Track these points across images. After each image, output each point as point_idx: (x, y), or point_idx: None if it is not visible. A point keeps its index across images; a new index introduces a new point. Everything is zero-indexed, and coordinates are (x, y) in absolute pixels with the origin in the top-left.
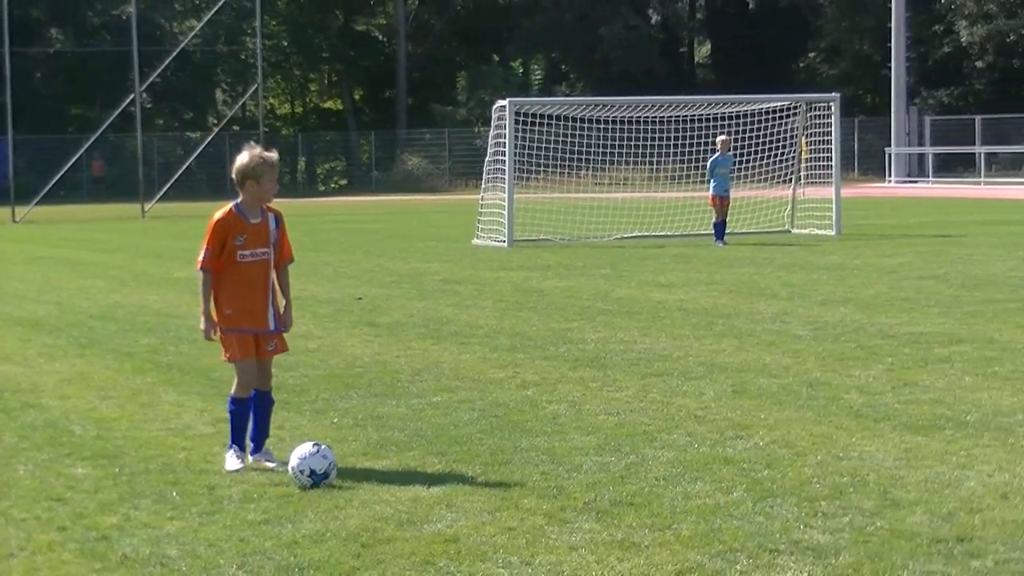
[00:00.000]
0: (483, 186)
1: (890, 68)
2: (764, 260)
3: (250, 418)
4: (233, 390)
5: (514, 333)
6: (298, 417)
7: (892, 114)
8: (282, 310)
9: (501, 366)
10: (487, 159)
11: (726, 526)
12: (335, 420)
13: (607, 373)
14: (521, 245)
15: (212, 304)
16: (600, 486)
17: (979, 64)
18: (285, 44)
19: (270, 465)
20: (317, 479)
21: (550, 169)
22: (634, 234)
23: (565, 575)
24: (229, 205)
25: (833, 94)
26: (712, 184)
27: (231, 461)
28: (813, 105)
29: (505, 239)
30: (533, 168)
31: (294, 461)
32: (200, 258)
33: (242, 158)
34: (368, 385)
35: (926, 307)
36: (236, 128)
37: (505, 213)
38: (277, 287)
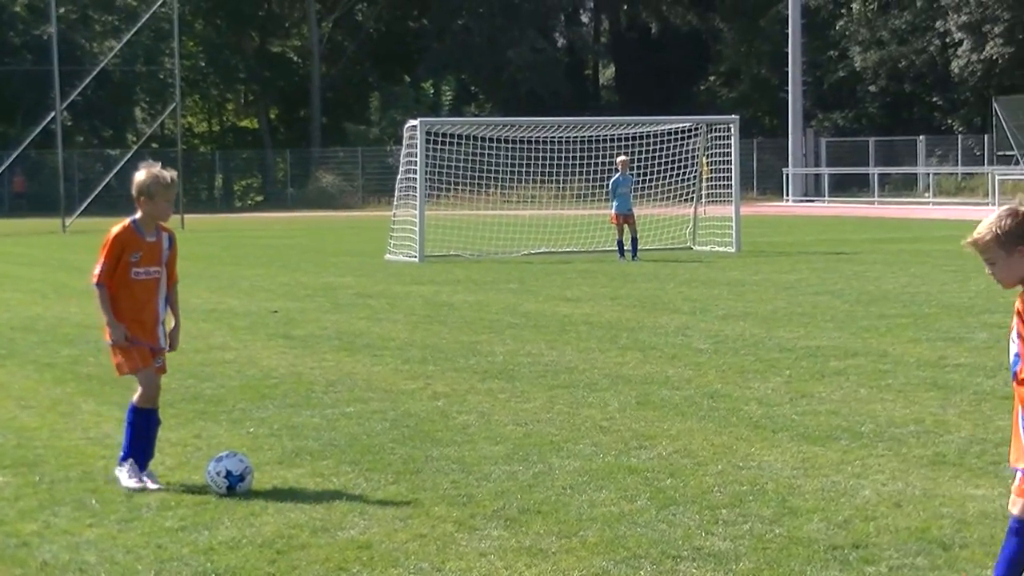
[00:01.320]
0: (395, 203)
1: (787, 91)
2: (667, 275)
3: (153, 427)
4: (136, 400)
5: (425, 346)
6: (215, 427)
7: (789, 136)
8: (170, 329)
9: (413, 377)
10: (399, 177)
11: (630, 533)
12: (251, 430)
13: (515, 385)
14: (432, 260)
15: (111, 314)
16: (508, 494)
17: (872, 88)
18: (203, 64)
19: (153, 487)
20: (233, 481)
21: (460, 187)
22: (541, 250)
23: None
24: (127, 220)
25: (732, 116)
26: (614, 203)
27: (127, 478)
28: (713, 127)
29: (416, 254)
30: (443, 186)
31: (210, 465)
32: (96, 272)
33: (138, 175)
34: (283, 396)
35: (822, 322)
36: (155, 145)
37: (416, 229)
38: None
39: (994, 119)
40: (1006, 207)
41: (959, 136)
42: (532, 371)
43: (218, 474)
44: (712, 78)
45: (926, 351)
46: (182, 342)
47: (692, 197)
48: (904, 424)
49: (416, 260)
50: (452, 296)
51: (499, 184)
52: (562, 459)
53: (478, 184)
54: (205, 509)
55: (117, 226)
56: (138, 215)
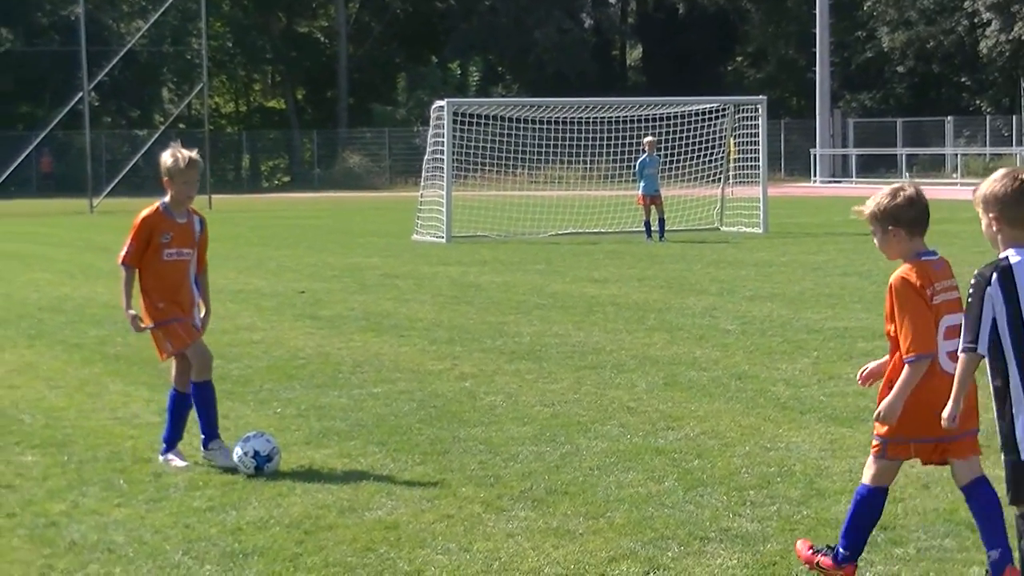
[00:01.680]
0: (422, 184)
1: (814, 72)
2: (694, 257)
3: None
4: (193, 375)
5: (452, 326)
6: (242, 407)
7: (816, 117)
8: (201, 315)
9: (440, 358)
10: (426, 158)
11: (658, 514)
12: (278, 410)
13: (542, 365)
14: (459, 241)
15: (130, 299)
16: (535, 475)
17: (900, 69)
18: (229, 45)
19: (180, 464)
20: (261, 461)
21: (487, 167)
22: (568, 231)
23: (502, 561)
24: (156, 203)
25: (759, 97)
26: (641, 184)
27: (221, 454)
28: (740, 108)
29: (443, 235)
30: (470, 166)
31: (237, 445)
32: (122, 253)
33: (162, 156)
34: (310, 376)
35: (850, 303)
36: (182, 126)
37: (443, 210)
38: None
39: (1022, 99)
40: (894, 185)
41: (987, 117)
42: (559, 352)
43: (246, 454)
44: (739, 59)
45: None
46: (211, 322)
47: (719, 178)
48: None
49: (443, 241)
50: (479, 277)
51: (526, 165)
52: (589, 440)
53: (505, 165)
54: (233, 489)
55: (147, 208)
56: (167, 197)
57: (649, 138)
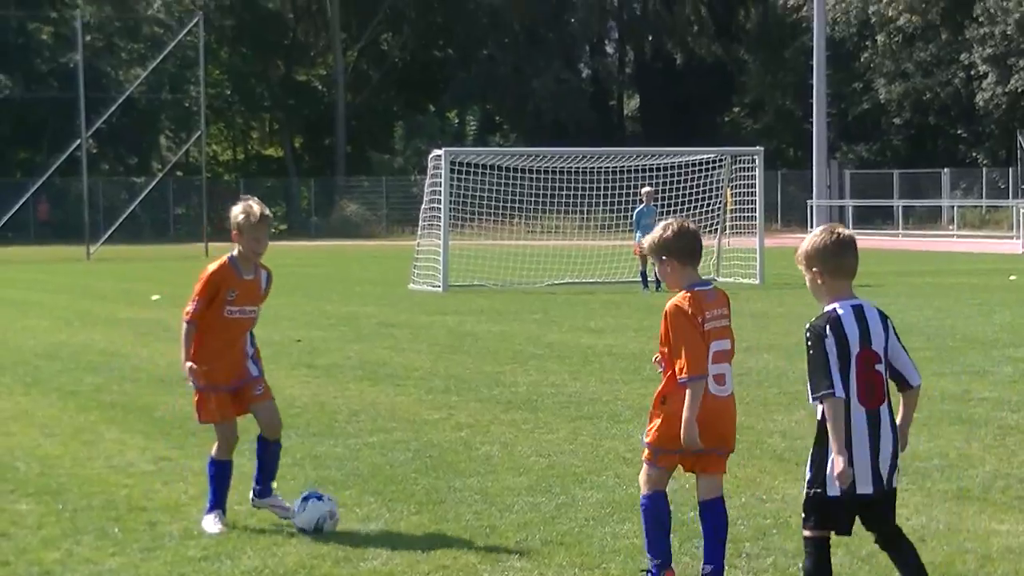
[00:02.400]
0: (419, 232)
1: (811, 123)
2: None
3: (229, 478)
4: (214, 452)
5: (448, 376)
6: (238, 456)
7: (813, 167)
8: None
9: (436, 408)
10: (423, 206)
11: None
12: None
13: (539, 415)
14: (456, 290)
15: (190, 353)
16: (531, 526)
17: (896, 120)
18: (228, 92)
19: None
20: (323, 523)
21: (484, 216)
22: (565, 280)
23: None
24: (224, 257)
25: (757, 148)
26: (638, 234)
27: (211, 524)
28: (737, 158)
29: (440, 284)
30: (467, 215)
31: (316, 504)
32: (188, 309)
33: (234, 210)
34: (306, 425)
35: None
36: (180, 173)
37: (440, 259)
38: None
39: (1019, 152)
40: (675, 220)
41: (983, 169)
42: (555, 402)
43: (319, 521)
44: (736, 109)
45: (950, 384)
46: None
47: (716, 228)
48: (928, 458)
49: (440, 290)
50: (475, 326)
51: (523, 214)
52: (585, 491)
53: (502, 214)
54: (228, 539)
55: (214, 263)
56: (235, 251)
57: (647, 188)
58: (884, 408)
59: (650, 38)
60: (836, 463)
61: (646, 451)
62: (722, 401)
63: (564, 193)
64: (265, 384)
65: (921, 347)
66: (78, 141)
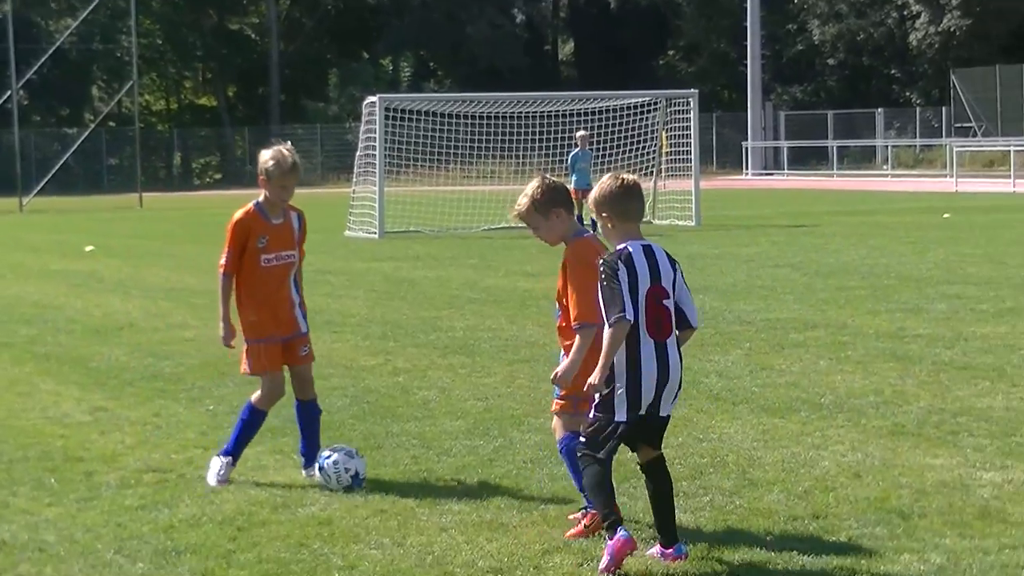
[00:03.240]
0: (354, 179)
1: (746, 65)
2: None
3: (256, 430)
4: (254, 399)
5: (385, 322)
6: (174, 405)
7: (748, 110)
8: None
9: (373, 354)
10: (358, 153)
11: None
12: (210, 407)
13: (476, 360)
14: (392, 236)
15: (228, 307)
16: (469, 469)
17: (830, 61)
18: (160, 42)
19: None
20: (357, 483)
21: (419, 163)
22: (501, 225)
23: (435, 555)
24: (250, 204)
25: (691, 91)
26: (573, 178)
27: (216, 471)
28: (672, 101)
29: (376, 231)
30: (403, 162)
31: (340, 455)
32: (223, 261)
33: (263, 156)
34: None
35: (782, 294)
36: (112, 124)
37: (376, 205)
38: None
39: (952, 91)
40: (536, 179)
41: (917, 108)
42: (492, 346)
43: (347, 471)
44: (671, 53)
45: (885, 323)
46: (142, 320)
47: (652, 171)
48: (863, 395)
49: (376, 236)
50: (412, 272)
51: (459, 160)
52: (523, 433)
53: (438, 160)
54: (165, 487)
55: (240, 210)
56: (261, 197)
57: (581, 132)
58: (671, 341)
59: None
60: (596, 373)
61: (562, 401)
62: None
63: (499, 138)
64: (310, 345)
65: (856, 286)
66: (8, 93)
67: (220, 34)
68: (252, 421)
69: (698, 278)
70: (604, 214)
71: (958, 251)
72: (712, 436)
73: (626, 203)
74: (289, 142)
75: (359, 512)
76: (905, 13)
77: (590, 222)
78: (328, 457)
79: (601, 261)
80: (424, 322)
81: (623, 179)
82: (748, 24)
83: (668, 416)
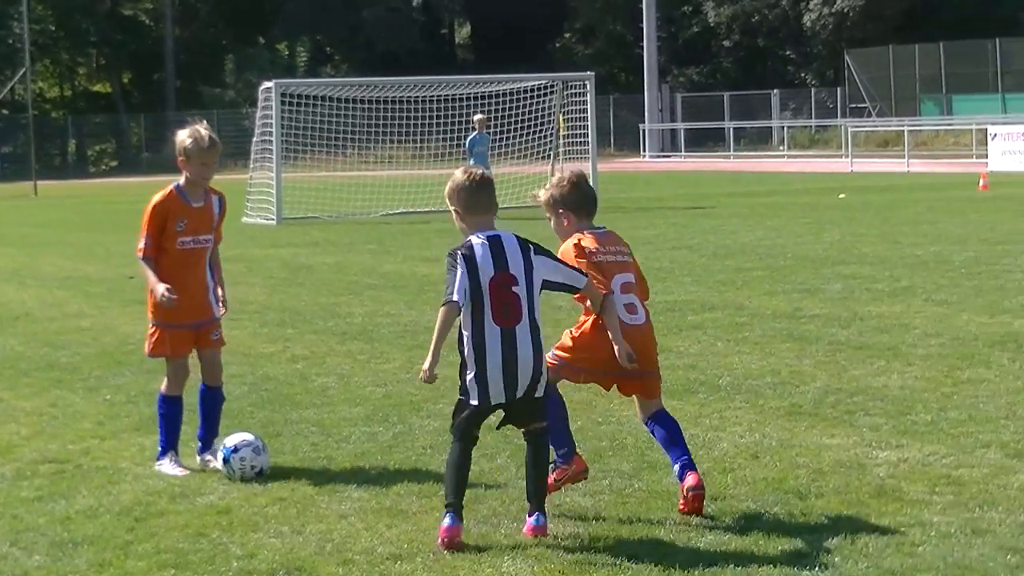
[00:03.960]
0: (252, 165)
1: (643, 48)
2: (525, 234)
3: (180, 416)
4: (164, 387)
5: (283, 308)
6: (71, 395)
7: (645, 92)
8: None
9: (271, 341)
10: (255, 139)
11: (491, 492)
12: (107, 397)
13: (375, 346)
14: (289, 223)
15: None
16: (369, 455)
17: (726, 43)
18: (52, 28)
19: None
20: (260, 477)
21: (317, 148)
22: (399, 210)
23: (335, 543)
24: (170, 186)
25: (587, 73)
26: (471, 162)
27: (171, 467)
28: (569, 84)
29: (274, 217)
30: (300, 148)
31: (244, 452)
32: (141, 245)
33: (180, 135)
34: (140, 362)
35: (680, 276)
36: (5, 112)
37: (273, 192)
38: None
39: (846, 72)
40: (569, 173)
41: (812, 89)
42: (391, 332)
43: (252, 468)
44: (568, 35)
45: (782, 303)
46: (38, 310)
47: (549, 154)
48: (761, 376)
49: (274, 223)
50: (310, 258)
51: (356, 145)
52: (422, 419)
53: (335, 145)
54: (62, 478)
55: (159, 193)
56: (181, 179)
57: (479, 116)
58: (520, 327)
59: None
60: (428, 357)
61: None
62: (636, 328)
63: (397, 123)
64: (221, 330)
65: (753, 267)
66: None
67: (114, 20)
68: (169, 412)
69: None
70: (453, 207)
71: (853, 231)
72: (612, 419)
73: (474, 196)
74: (205, 121)
75: (258, 500)
76: None
77: None
78: (235, 451)
79: (449, 251)
80: (323, 308)
81: (471, 172)
82: (644, 6)
83: (536, 397)
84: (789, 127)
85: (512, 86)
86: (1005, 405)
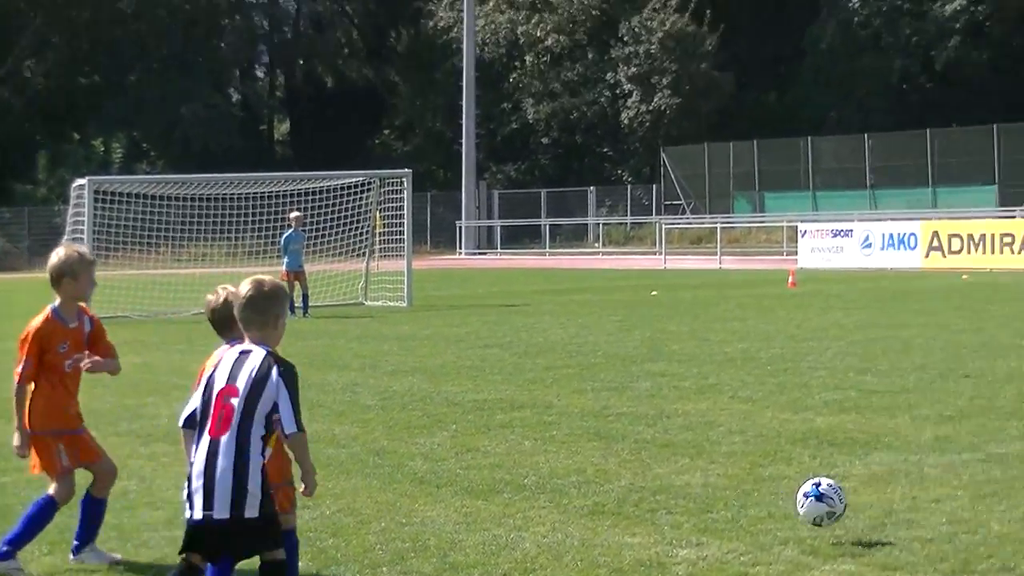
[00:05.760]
0: None
1: (461, 144)
2: (337, 332)
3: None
4: (56, 498)
5: (87, 411)
6: None
7: (463, 188)
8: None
9: None
10: (65, 237)
11: None
12: None
13: (179, 448)
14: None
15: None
16: (168, 561)
17: (544, 140)
18: None
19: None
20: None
21: (129, 246)
22: None
23: None
24: (46, 311)
25: (405, 170)
26: (285, 260)
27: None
28: (386, 180)
29: None
30: (112, 245)
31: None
32: (19, 371)
33: (58, 255)
34: None
35: (490, 374)
36: None
37: None
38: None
39: (662, 169)
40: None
41: (628, 186)
42: None
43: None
44: (387, 132)
45: (590, 401)
46: None
47: (365, 252)
48: (566, 475)
49: None
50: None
51: (170, 242)
52: None
53: (149, 243)
54: None
55: (36, 318)
56: (57, 301)
57: (295, 213)
58: (226, 438)
59: (301, 62)
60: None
61: None
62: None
63: (212, 220)
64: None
65: (563, 364)
66: None
67: None
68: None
69: (407, 359)
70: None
71: (664, 328)
72: (415, 520)
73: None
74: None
75: None
76: (618, 92)
77: (301, 304)
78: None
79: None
80: (127, 410)
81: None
82: (464, 103)
83: (251, 519)
84: (605, 224)
85: (330, 183)
86: None
